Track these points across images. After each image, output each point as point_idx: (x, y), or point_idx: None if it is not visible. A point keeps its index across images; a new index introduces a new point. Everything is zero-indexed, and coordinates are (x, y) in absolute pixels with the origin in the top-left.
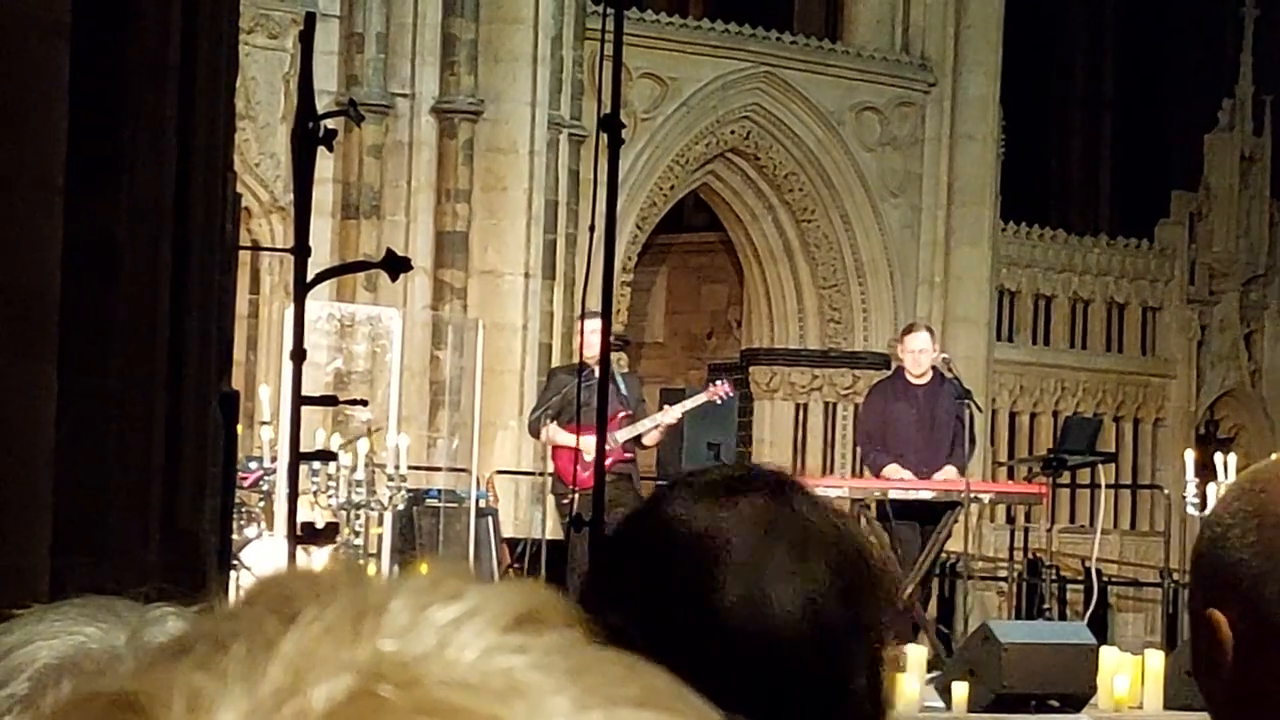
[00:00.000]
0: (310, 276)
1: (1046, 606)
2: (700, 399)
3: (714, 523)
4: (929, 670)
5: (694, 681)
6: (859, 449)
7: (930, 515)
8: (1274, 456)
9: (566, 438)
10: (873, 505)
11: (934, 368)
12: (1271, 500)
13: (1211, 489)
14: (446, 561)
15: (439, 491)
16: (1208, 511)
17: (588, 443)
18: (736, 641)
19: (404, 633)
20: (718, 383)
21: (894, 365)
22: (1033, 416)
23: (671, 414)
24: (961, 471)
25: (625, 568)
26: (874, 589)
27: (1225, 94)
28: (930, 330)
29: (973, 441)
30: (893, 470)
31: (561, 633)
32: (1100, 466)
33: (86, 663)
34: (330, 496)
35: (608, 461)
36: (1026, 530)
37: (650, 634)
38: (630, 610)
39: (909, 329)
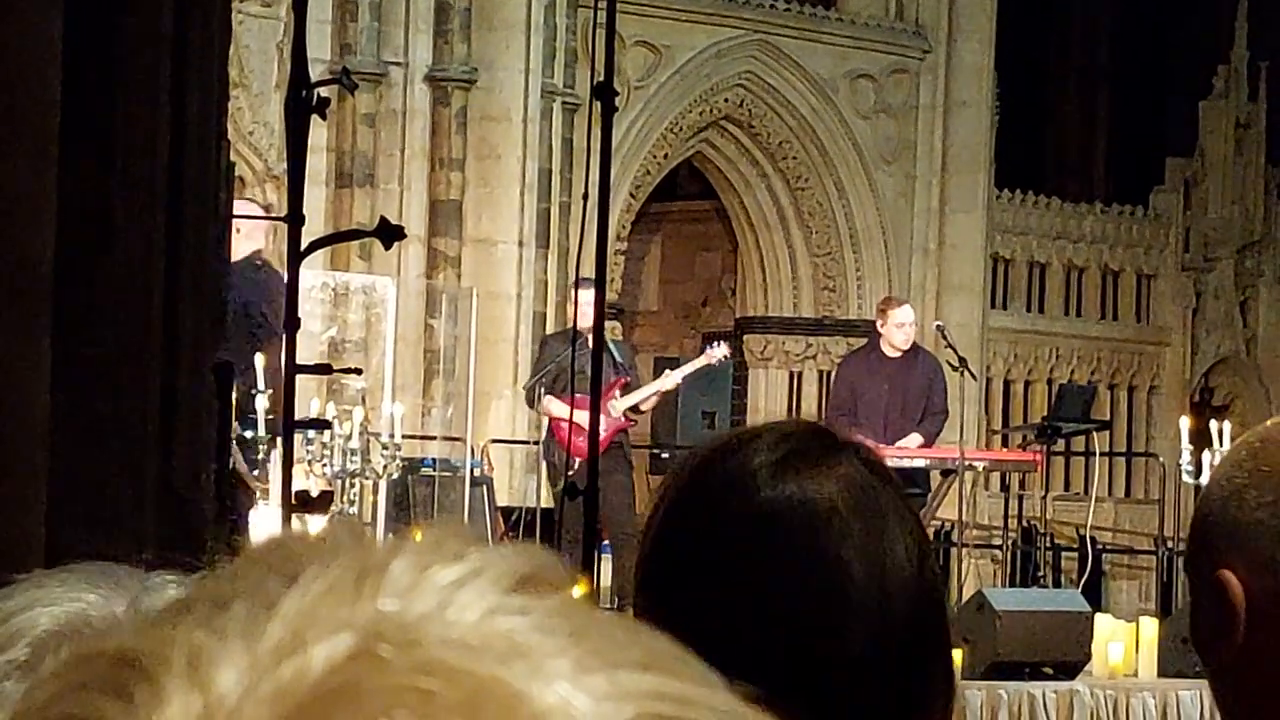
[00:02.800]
0: (304, 245)
1: (1041, 574)
2: (699, 363)
3: (824, 496)
4: None
5: (810, 660)
6: (827, 419)
7: (908, 482)
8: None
9: (561, 408)
10: None
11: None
12: None
13: (1206, 456)
14: (449, 523)
15: (434, 460)
16: (1214, 470)
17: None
18: (863, 616)
19: (405, 593)
20: (714, 346)
21: (873, 336)
22: (1027, 384)
23: (671, 379)
24: (928, 441)
25: (727, 562)
26: (930, 548)
27: (1220, 61)
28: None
29: (945, 413)
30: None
31: (564, 595)
32: (1095, 434)
33: (86, 629)
34: (325, 465)
35: (609, 432)
36: (1021, 498)
37: (761, 628)
38: (738, 606)
39: (893, 302)
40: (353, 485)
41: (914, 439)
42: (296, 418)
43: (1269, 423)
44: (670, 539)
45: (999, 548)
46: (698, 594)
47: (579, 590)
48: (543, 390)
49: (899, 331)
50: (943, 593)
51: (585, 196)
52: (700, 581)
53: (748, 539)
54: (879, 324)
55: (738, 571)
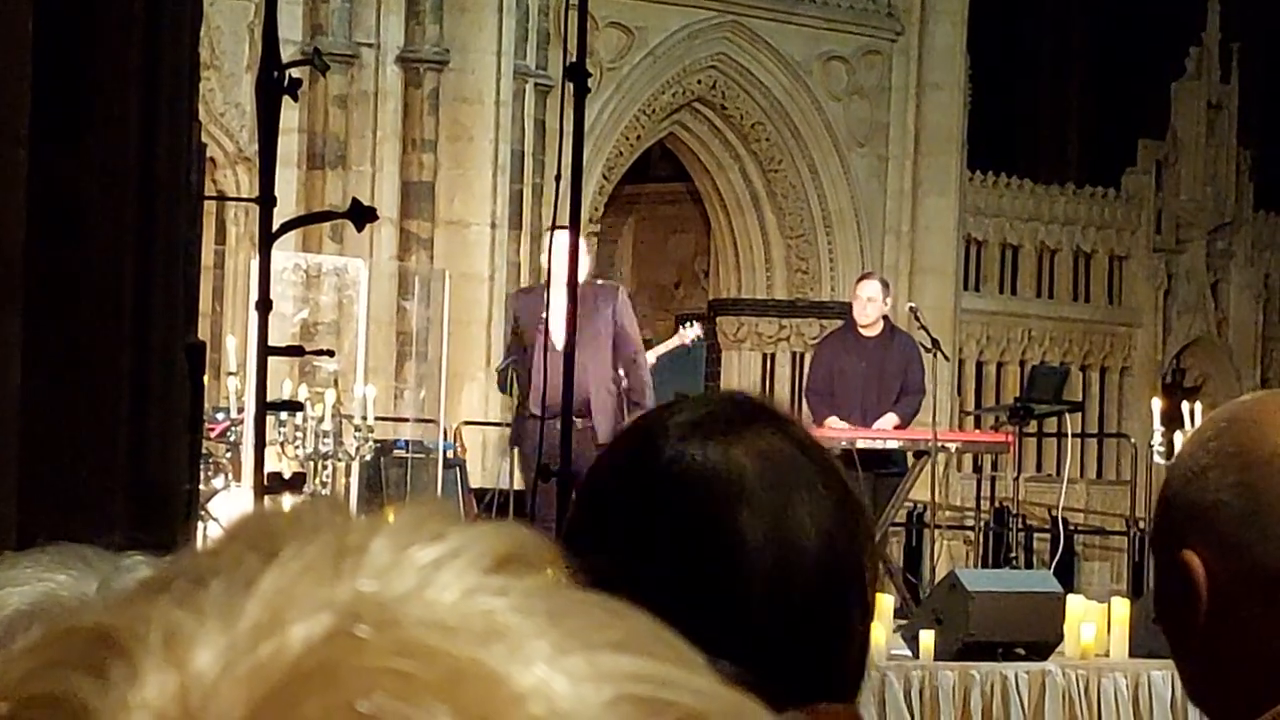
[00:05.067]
0: (276, 227)
1: (1013, 555)
2: (672, 343)
3: (728, 460)
4: (896, 618)
5: (704, 624)
6: (805, 400)
7: (880, 463)
8: (1246, 397)
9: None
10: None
11: (886, 319)
12: (1255, 439)
13: (1178, 437)
14: (429, 502)
15: (406, 442)
16: (1179, 450)
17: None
18: (759, 583)
19: (384, 573)
20: (686, 326)
21: (849, 317)
22: (999, 366)
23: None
24: (905, 421)
25: (626, 511)
26: (867, 529)
27: (1193, 42)
28: (885, 283)
29: (921, 393)
30: (833, 422)
31: (543, 575)
32: (1067, 415)
33: (57, 609)
34: (297, 447)
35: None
36: (993, 479)
37: (657, 584)
38: (636, 561)
39: (862, 276)
40: (325, 467)
41: (889, 419)
42: (269, 400)
43: (1234, 403)
44: (587, 496)
45: (971, 529)
46: (607, 549)
47: (561, 569)
48: (514, 374)
49: (859, 304)
50: (865, 574)
51: (558, 178)
52: (608, 538)
53: (647, 494)
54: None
55: (638, 527)
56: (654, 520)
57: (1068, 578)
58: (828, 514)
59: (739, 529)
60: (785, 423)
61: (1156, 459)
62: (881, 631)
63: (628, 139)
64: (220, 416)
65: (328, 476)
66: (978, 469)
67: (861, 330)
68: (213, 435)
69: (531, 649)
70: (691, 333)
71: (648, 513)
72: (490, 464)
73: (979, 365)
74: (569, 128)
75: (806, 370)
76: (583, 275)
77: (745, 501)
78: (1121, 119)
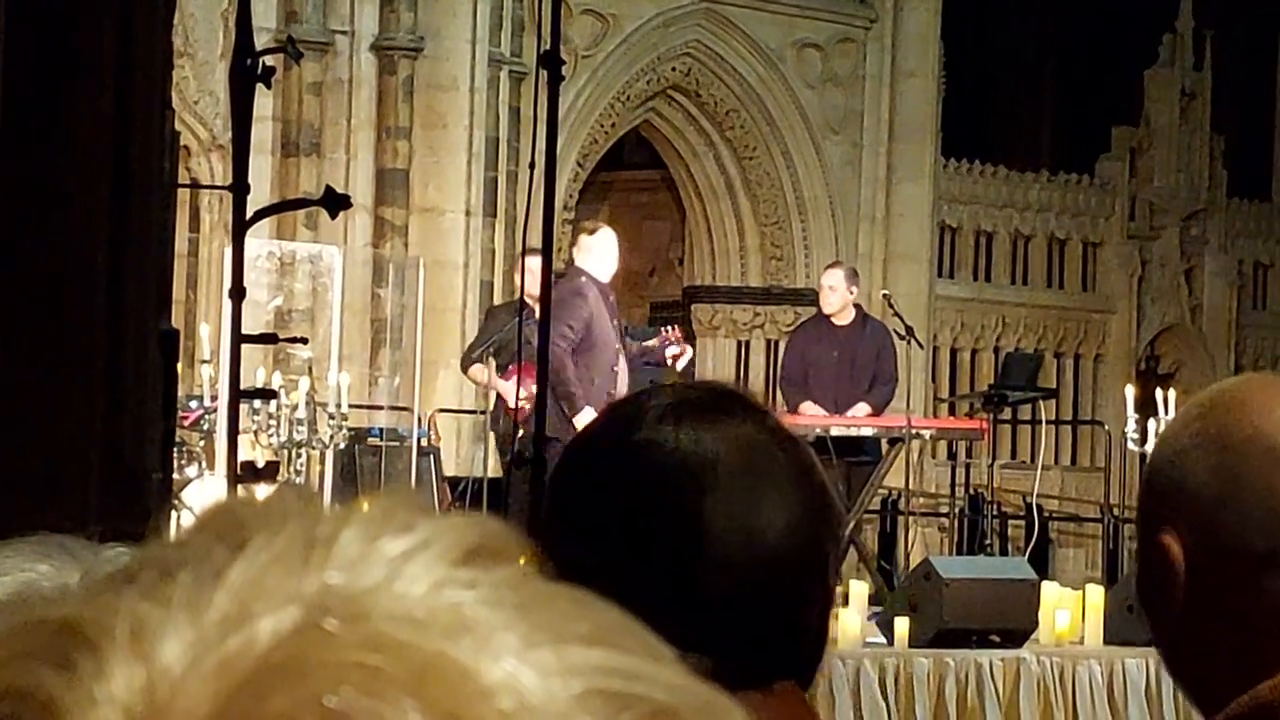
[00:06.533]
0: (250, 214)
1: (988, 542)
2: (653, 346)
3: (699, 446)
4: (871, 605)
5: (666, 610)
6: (778, 389)
7: (854, 450)
8: (1230, 380)
9: (500, 384)
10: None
11: (858, 308)
12: (1235, 422)
13: (1152, 424)
14: (400, 492)
15: (380, 430)
16: (1161, 433)
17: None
18: (720, 569)
19: (353, 565)
20: (670, 336)
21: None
22: (974, 353)
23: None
24: (877, 410)
25: (597, 494)
26: (833, 520)
27: (1165, 29)
28: (852, 271)
29: (894, 381)
30: (807, 408)
31: (512, 567)
32: (1041, 402)
33: (37, 599)
34: (271, 435)
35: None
36: (968, 466)
37: (621, 562)
38: (602, 538)
39: (827, 265)
40: (299, 455)
41: (861, 409)
42: (242, 387)
43: (1216, 386)
44: (562, 476)
45: (946, 515)
46: (579, 529)
47: (531, 560)
48: (489, 356)
49: (822, 292)
50: (826, 565)
51: (532, 166)
52: (581, 518)
53: (617, 477)
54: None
55: (607, 509)
56: (624, 500)
57: (1042, 565)
58: (795, 507)
59: (703, 513)
60: (761, 413)
61: (1131, 446)
62: (856, 619)
63: (602, 126)
64: (194, 405)
65: (302, 465)
66: (952, 456)
67: (833, 319)
68: (186, 424)
69: (500, 642)
70: (672, 349)
71: (618, 493)
72: (465, 452)
73: (953, 352)
74: (543, 115)
75: (780, 359)
76: (610, 272)
77: (713, 487)
78: (1095, 106)
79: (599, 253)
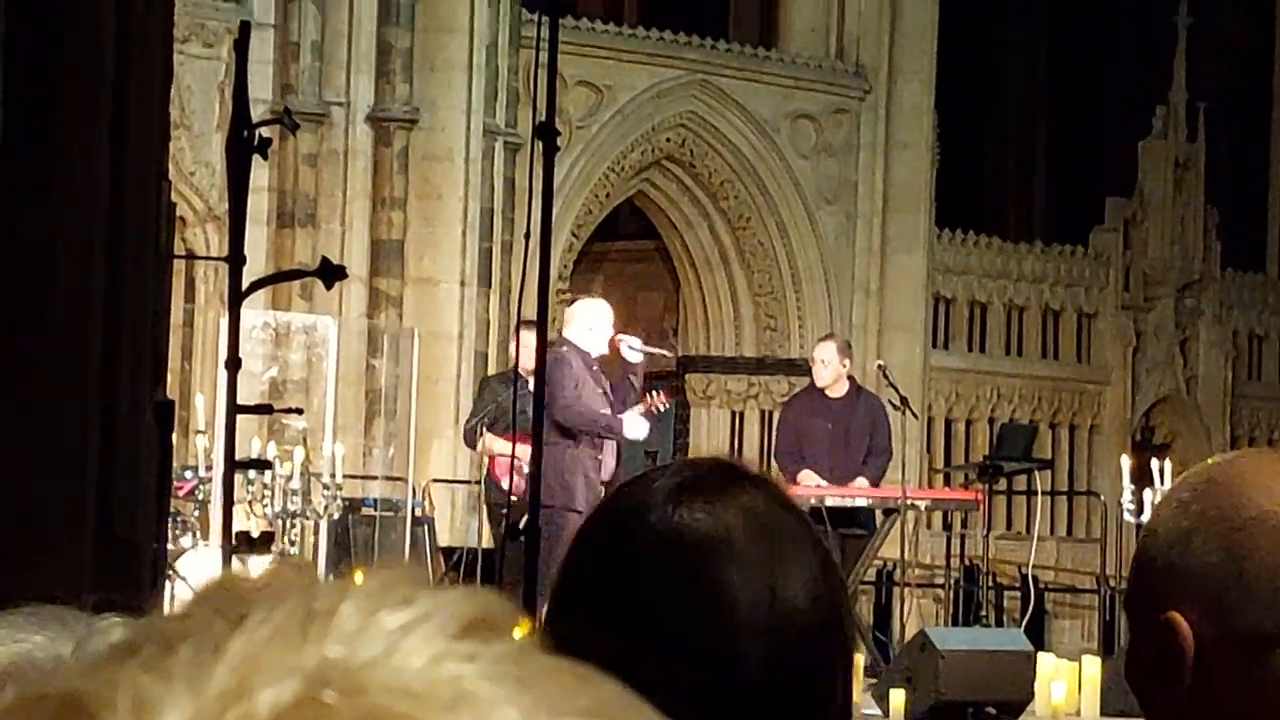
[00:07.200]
0: (245, 285)
1: (984, 613)
2: (637, 410)
3: (718, 523)
4: (866, 677)
5: (702, 687)
6: (775, 460)
7: (849, 521)
8: (1222, 458)
9: (504, 445)
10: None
11: (852, 380)
12: (1237, 502)
13: (1148, 495)
14: (398, 565)
15: (375, 500)
16: (1155, 511)
17: (524, 451)
18: (752, 637)
19: (352, 638)
20: (654, 394)
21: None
22: (969, 423)
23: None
24: (873, 482)
25: (617, 581)
26: (844, 584)
27: (1159, 101)
28: (845, 344)
29: (889, 453)
30: (805, 475)
31: (512, 640)
32: (1036, 473)
33: (31, 671)
34: (265, 505)
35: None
36: (963, 537)
37: (650, 646)
38: (627, 624)
39: (819, 338)
40: (294, 525)
41: (860, 482)
42: (237, 458)
43: (1209, 462)
44: (574, 567)
45: (941, 587)
46: (597, 619)
47: (530, 634)
48: (484, 426)
49: (815, 366)
50: (847, 628)
51: (527, 236)
52: (599, 607)
53: (639, 562)
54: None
55: (630, 595)
56: (647, 585)
57: (1038, 636)
58: (815, 572)
59: (732, 588)
60: (766, 483)
61: (1126, 517)
62: (852, 691)
63: (597, 197)
64: (188, 475)
65: (296, 535)
66: (947, 526)
67: (826, 391)
68: (181, 494)
69: (500, 716)
70: (658, 400)
71: (640, 578)
72: (459, 522)
73: (948, 423)
74: (538, 186)
75: (775, 430)
76: (596, 340)
77: (736, 561)
78: (1089, 177)
79: (580, 322)
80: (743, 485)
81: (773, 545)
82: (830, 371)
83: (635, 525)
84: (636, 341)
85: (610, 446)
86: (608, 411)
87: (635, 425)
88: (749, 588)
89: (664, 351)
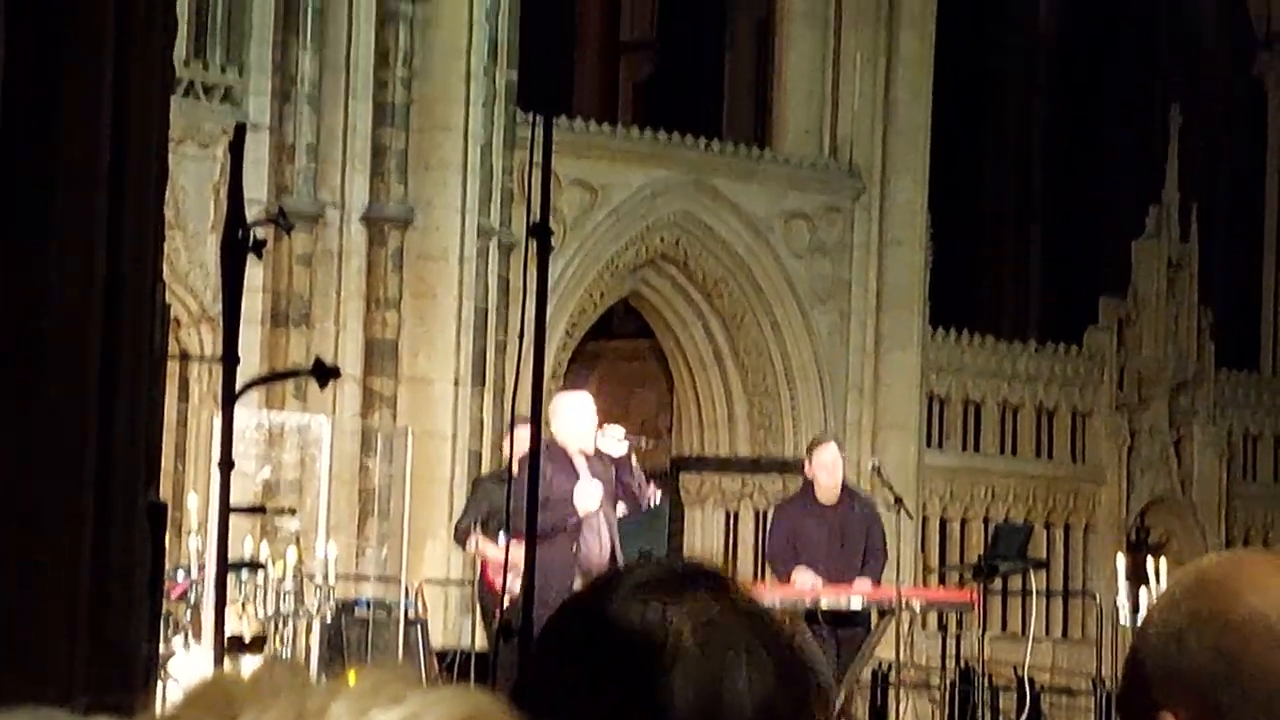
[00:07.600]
0: (239, 385)
1: (979, 715)
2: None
3: (662, 620)
4: None
5: None
6: (767, 566)
7: (844, 621)
8: (1212, 558)
9: (495, 550)
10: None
11: (844, 485)
12: (1229, 603)
13: (1143, 595)
14: (390, 665)
15: (368, 601)
16: (1149, 612)
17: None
18: None
19: None
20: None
21: (802, 482)
22: (963, 523)
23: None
24: (875, 584)
25: (566, 668)
26: (814, 694)
27: (1152, 201)
28: (837, 440)
29: (884, 555)
30: (801, 573)
31: None
32: (1031, 573)
33: None
34: (258, 606)
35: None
36: (958, 638)
37: None
38: (574, 711)
39: (818, 442)
40: (286, 626)
41: (863, 584)
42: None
43: (1198, 565)
44: (537, 656)
45: (937, 687)
46: (557, 705)
47: None
48: (475, 527)
49: (827, 471)
50: None
51: (521, 335)
52: (558, 693)
53: (590, 650)
54: (806, 468)
55: (583, 683)
56: (595, 677)
57: None
58: (767, 679)
59: (670, 690)
60: (728, 587)
61: (1122, 617)
62: None
63: (591, 296)
64: (181, 576)
65: (289, 636)
66: (942, 627)
67: (820, 496)
68: (173, 595)
69: None
70: (652, 494)
71: (590, 669)
72: (453, 623)
73: (942, 522)
74: (532, 285)
75: (767, 533)
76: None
77: (679, 663)
78: (1083, 276)
79: (559, 418)
80: (701, 587)
81: (720, 650)
82: (841, 470)
83: (592, 615)
84: (619, 431)
85: (595, 526)
86: (551, 511)
87: (584, 496)
88: (687, 691)
89: (653, 492)
